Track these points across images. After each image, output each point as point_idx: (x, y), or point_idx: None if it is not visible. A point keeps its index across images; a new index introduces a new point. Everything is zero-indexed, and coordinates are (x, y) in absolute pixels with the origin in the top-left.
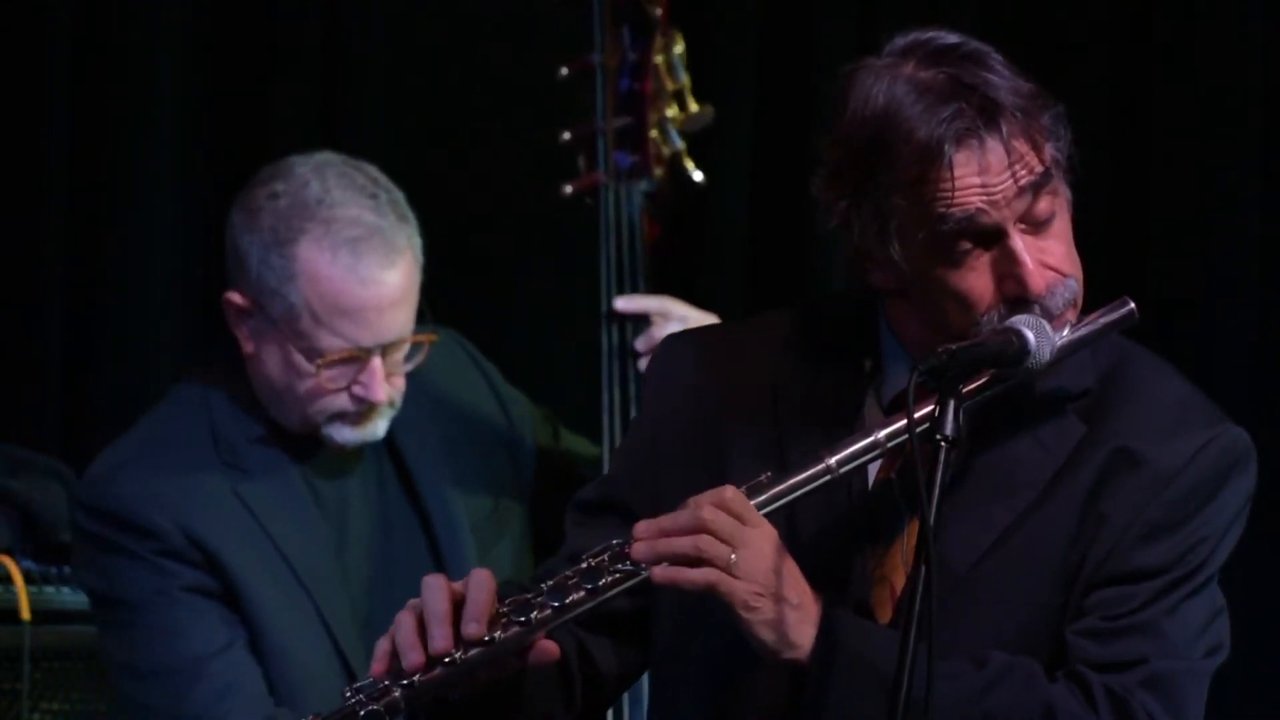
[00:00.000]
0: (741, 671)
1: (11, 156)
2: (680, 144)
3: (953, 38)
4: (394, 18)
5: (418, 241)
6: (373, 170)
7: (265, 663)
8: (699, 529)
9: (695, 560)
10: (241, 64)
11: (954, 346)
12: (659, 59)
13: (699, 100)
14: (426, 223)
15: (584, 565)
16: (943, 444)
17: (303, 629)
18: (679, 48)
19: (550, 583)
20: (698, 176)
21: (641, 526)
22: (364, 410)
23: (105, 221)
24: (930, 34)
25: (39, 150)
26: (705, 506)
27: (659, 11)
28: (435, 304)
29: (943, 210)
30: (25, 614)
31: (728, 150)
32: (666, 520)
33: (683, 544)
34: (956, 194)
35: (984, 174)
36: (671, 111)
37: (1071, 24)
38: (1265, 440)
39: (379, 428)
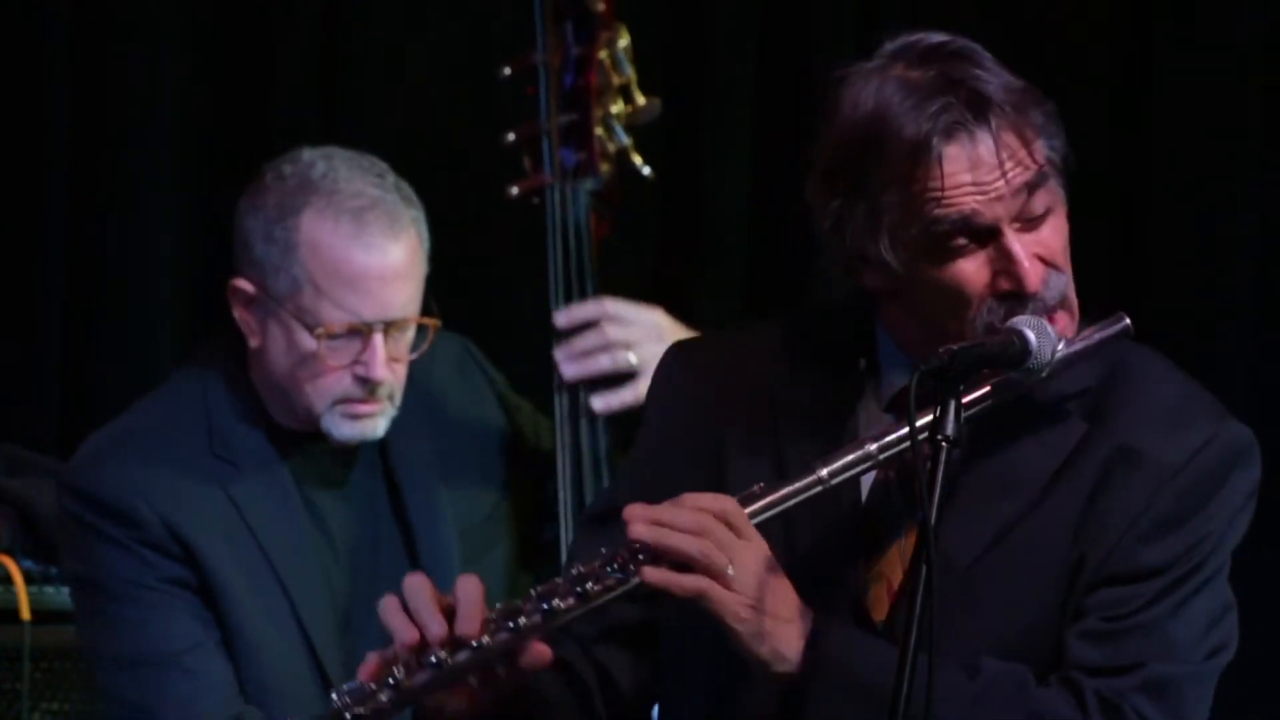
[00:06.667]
0: (735, 684)
1: (11, 156)
2: (627, 140)
3: (941, 37)
4: (393, 17)
5: (424, 229)
6: (381, 163)
7: (237, 662)
8: (699, 534)
9: (689, 563)
10: (241, 63)
11: (955, 347)
12: (603, 54)
13: (688, 93)
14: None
15: (575, 572)
16: (944, 444)
17: (277, 629)
18: (624, 41)
19: (540, 589)
20: (646, 171)
21: (636, 508)
22: (366, 394)
23: (105, 220)
24: (919, 35)
25: (39, 150)
26: (706, 515)
27: (602, 5)
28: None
29: (934, 206)
30: (25, 614)
31: (728, 150)
32: (664, 511)
33: (686, 542)
34: (947, 190)
35: (974, 169)
36: (617, 107)
37: (1071, 23)
38: (1266, 441)
39: (378, 425)
